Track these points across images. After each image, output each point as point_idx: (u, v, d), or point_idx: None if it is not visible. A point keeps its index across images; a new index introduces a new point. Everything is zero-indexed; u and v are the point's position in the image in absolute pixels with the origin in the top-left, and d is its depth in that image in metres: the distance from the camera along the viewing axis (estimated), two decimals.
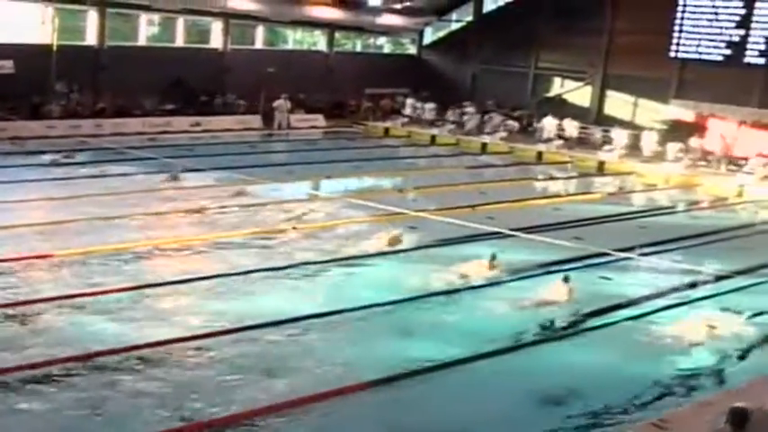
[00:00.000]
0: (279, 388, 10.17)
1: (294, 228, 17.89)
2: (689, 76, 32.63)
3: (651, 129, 32.18)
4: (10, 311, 11.96)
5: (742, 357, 12.32)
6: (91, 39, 31.75)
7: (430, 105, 36.48)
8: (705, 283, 16.23)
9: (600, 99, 36.16)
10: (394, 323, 12.80)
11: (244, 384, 10.25)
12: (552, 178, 28.65)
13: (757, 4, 30.33)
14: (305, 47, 40.78)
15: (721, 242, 20.18)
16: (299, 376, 10.56)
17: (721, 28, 31.17)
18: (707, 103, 31.61)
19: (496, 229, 18.72)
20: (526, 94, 38.18)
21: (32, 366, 10.15)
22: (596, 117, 35.64)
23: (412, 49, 43.54)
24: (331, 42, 39.55)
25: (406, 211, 20.06)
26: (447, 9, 41.41)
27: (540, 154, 31.87)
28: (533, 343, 12.45)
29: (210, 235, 17.01)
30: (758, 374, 11.13)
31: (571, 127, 33.30)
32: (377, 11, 38.73)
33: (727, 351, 12.41)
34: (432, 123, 35.91)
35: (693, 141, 30.35)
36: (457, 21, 41.93)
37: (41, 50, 29.04)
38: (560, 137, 33.03)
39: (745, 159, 29.33)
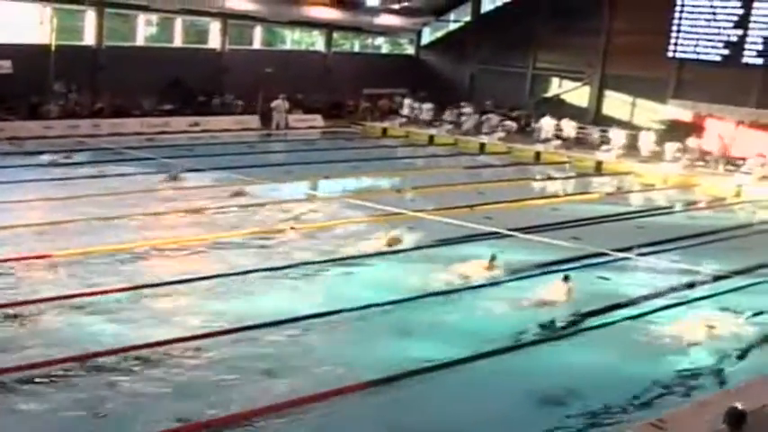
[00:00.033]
0: (278, 388, 10.16)
1: (292, 228, 17.88)
2: (687, 76, 32.66)
3: (649, 129, 32.21)
4: (8, 312, 11.93)
5: (740, 357, 12.33)
6: (89, 39, 31.75)
7: (427, 106, 36.49)
8: (703, 283, 16.26)
9: (598, 99, 36.18)
10: (393, 323, 12.80)
11: (243, 384, 10.24)
12: (550, 178, 28.64)
13: (755, 5, 30.35)
14: (303, 47, 40.79)
15: (719, 242, 20.19)
16: (298, 376, 10.55)
17: (719, 28, 31.20)
18: (705, 104, 31.65)
19: (494, 230, 18.79)
20: (524, 95, 38.19)
21: (31, 367, 10.13)
22: (594, 117, 35.68)
23: (410, 50, 43.55)
24: (329, 42, 39.56)
25: (404, 212, 20.12)
26: (445, 9, 41.42)
27: (538, 154, 31.89)
28: (532, 343, 12.46)
29: (209, 235, 17.00)
30: (757, 374, 11.14)
31: (569, 127, 33.33)
32: (375, 11, 38.74)
33: (725, 351, 12.41)
34: (430, 124, 35.92)
35: (691, 141, 30.39)
36: (455, 21, 41.95)
37: (39, 50, 29.01)
38: (558, 137, 33.06)
39: (743, 159, 29.37)
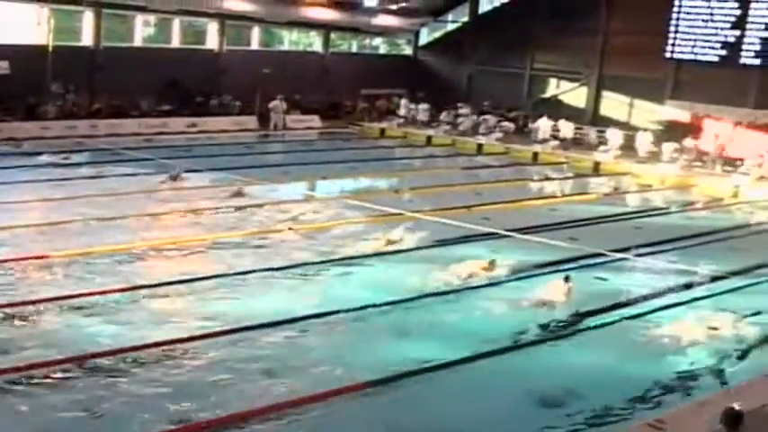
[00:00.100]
0: (277, 389, 10.16)
1: (291, 228, 17.90)
2: (684, 76, 32.67)
3: (645, 129, 32.23)
4: (6, 312, 11.91)
5: (740, 357, 12.34)
6: (87, 39, 31.74)
7: (424, 106, 36.50)
8: (701, 283, 16.29)
9: (595, 100, 36.19)
10: (392, 323, 12.81)
11: (241, 385, 10.23)
12: (548, 179, 28.69)
13: (752, 5, 30.38)
14: (301, 48, 40.80)
15: (717, 243, 20.21)
16: (297, 377, 10.55)
17: (717, 29, 31.21)
18: (702, 104, 31.69)
19: (492, 230, 18.80)
20: (522, 95, 38.20)
21: (29, 367, 10.12)
22: (592, 118, 35.70)
23: (408, 50, 43.55)
24: (327, 43, 39.56)
25: (402, 212, 20.13)
26: (443, 10, 41.41)
27: (535, 155, 31.89)
28: (531, 343, 12.47)
29: (207, 236, 17.00)
30: (756, 374, 11.16)
31: (566, 128, 33.35)
32: (372, 11, 38.73)
33: (724, 351, 12.42)
34: (427, 124, 35.93)
35: (689, 142, 30.42)
36: (453, 21, 41.94)
37: (37, 51, 28.99)
38: (556, 137, 33.08)
39: (741, 160, 29.41)
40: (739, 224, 22.97)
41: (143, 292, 13.23)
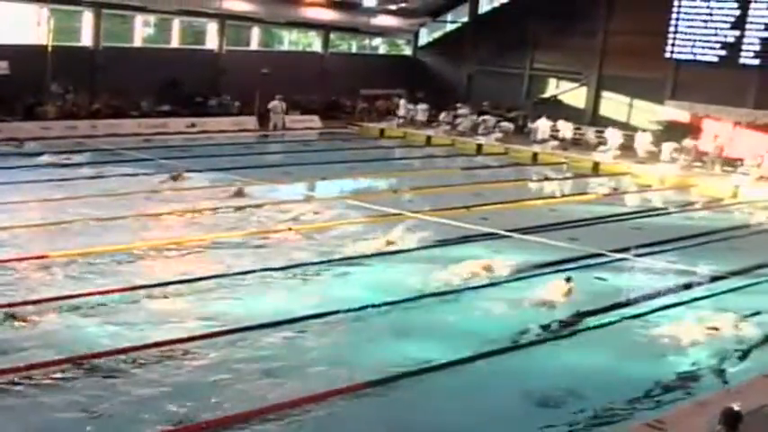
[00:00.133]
0: (277, 389, 10.15)
1: (290, 229, 17.90)
2: (684, 77, 32.68)
3: (645, 130, 32.23)
4: (4, 313, 11.90)
5: (740, 357, 12.34)
6: (86, 40, 31.77)
7: (422, 106, 36.50)
8: (701, 283, 16.30)
9: (595, 100, 36.23)
10: (391, 324, 12.81)
11: (241, 386, 10.23)
12: (547, 179, 28.70)
13: (752, 6, 30.40)
14: (300, 48, 40.84)
15: (716, 243, 20.22)
16: (297, 377, 10.55)
17: (716, 29, 31.26)
18: (702, 104, 31.74)
19: (492, 230, 18.80)
20: (522, 96, 38.21)
21: (28, 368, 10.11)
22: (591, 118, 35.73)
23: (407, 50, 43.58)
24: (326, 43, 39.59)
25: (401, 212, 20.13)
26: (442, 10, 41.46)
27: (535, 155, 31.90)
28: (531, 343, 12.46)
29: (207, 236, 16.98)
30: (755, 374, 11.16)
31: (566, 128, 33.35)
32: (372, 12, 38.76)
33: (724, 351, 12.42)
34: (427, 124, 35.93)
35: (688, 142, 30.42)
36: (452, 22, 42.00)
37: (37, 51, 28.98)
38: (555, 138, 33.08)
39: (740, 160, 29.42)
40: (739, 224, 22.98)
41: (143, 292, 13.22)
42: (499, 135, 33.83)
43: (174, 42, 34.74)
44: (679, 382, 11.30)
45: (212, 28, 35.24)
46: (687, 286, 16.02)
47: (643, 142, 31.15)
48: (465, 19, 41.04)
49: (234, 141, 30.60)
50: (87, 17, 31.59)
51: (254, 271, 14.68)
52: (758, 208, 25.24)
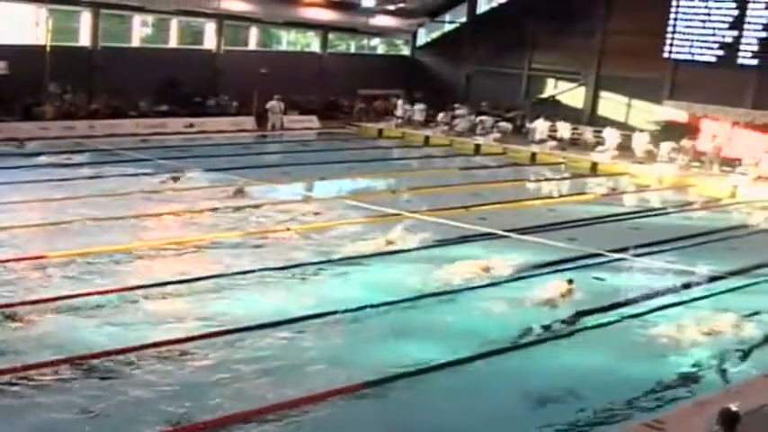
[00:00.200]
0: (276, 389, 10.13)
1: (288, 229, 17.89)
2: (682, 77, 32.68)
3: (642, 130, 32.22)
4: (2, 313, 11.87)
5: (739, 357, 12.33)
6: (84, 40, 31.71)
7: (420, 107, 36.49)
8: (699, 283, 16.30)
9: (593, 100, 36.23)
10: (390, 324, 12.80)
11: (240, 385, 10.22)
12: (546, 179, 28.71)
13: (750, 6, 30.41)
14: (298, 48, 40.81)
15: (715, 243, 20.22)
16: (296, 377, 10.54)
17: (714, 29, 31.26)
18: (700, 104, 31.73)
19: (490, 230, 18.80)
20: (520, 96, 38.21)
21: (25, 368, 10.09)
22: (590, 118, 35.71)
23: (405, 51, 43.57)
24: (324, 43, 39.56)
25: (400, 212, 20.13)
26: (440, 10, 41.44)
27: (533, 155, 31.90)
28: (531, 343, 12.45)
29: (206, 236, 16.97)
30: (754, 374, 11.16)
31: (564, 128, 33.36)
32: (370, 12, 38.74)
33: (724, 351, 12.42)
34: (425, 125, 35.93)
35: (686, 142, 30.43)
36: (450, 22, 41.97)
37: (35, 51, 28.92)
38: (553, 138, 33.08)
39: (739, 160, 29.43)
40: (737, 224, 22.98)
41: (141, 292, 13.19)
42: (497, 135, 33.83)
43: (173, 42, 34.69)
44: (679, 381, 11.30)
45: (210, 28, 35.20)
46: (686, 286, 16.01)
47: (641, 142, 31.15)
48: (463, 19, 41.00)
49: (232, 141, 30.59)
50: (85, 17, 31.55)
51: (252, 271, 14.67)
52: (756, 208, 25.25)
